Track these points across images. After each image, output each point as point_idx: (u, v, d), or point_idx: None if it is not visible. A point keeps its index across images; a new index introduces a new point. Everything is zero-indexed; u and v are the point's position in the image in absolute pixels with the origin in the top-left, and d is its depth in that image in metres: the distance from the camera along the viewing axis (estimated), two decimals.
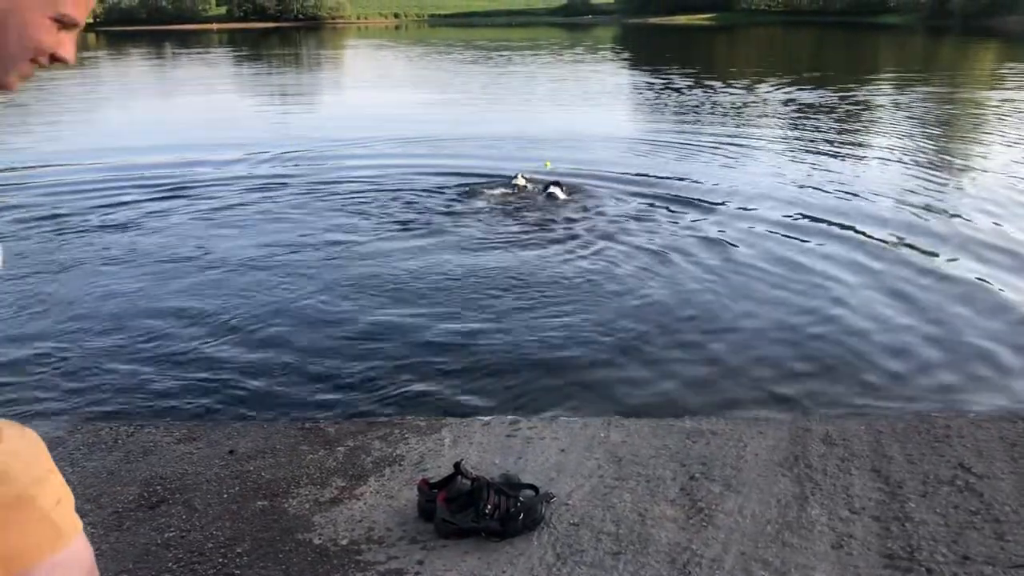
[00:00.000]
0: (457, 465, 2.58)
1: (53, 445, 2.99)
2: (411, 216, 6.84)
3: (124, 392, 3.79)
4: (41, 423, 3.29)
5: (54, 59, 1.13)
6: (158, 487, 2.78)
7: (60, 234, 6.44)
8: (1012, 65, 23.85)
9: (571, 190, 7.44)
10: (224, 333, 4.46)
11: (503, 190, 7.56)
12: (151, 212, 7.18)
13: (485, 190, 7.64)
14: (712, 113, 13.55)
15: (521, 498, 2.54)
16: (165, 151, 10.28)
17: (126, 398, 3.73)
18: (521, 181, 7.53)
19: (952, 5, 58.89)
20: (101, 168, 9.16)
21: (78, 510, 1.31)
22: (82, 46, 49.60)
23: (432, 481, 2.60)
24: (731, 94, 16.42)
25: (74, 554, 1.25)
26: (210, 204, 7.48)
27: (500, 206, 7.09)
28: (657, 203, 7.16)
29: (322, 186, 8.08)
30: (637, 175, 8.40)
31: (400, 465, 2.90)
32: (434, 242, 6.08)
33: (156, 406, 3.65)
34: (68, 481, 1.31)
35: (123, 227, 6.68)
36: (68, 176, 8.75)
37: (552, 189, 7.23)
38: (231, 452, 3.02)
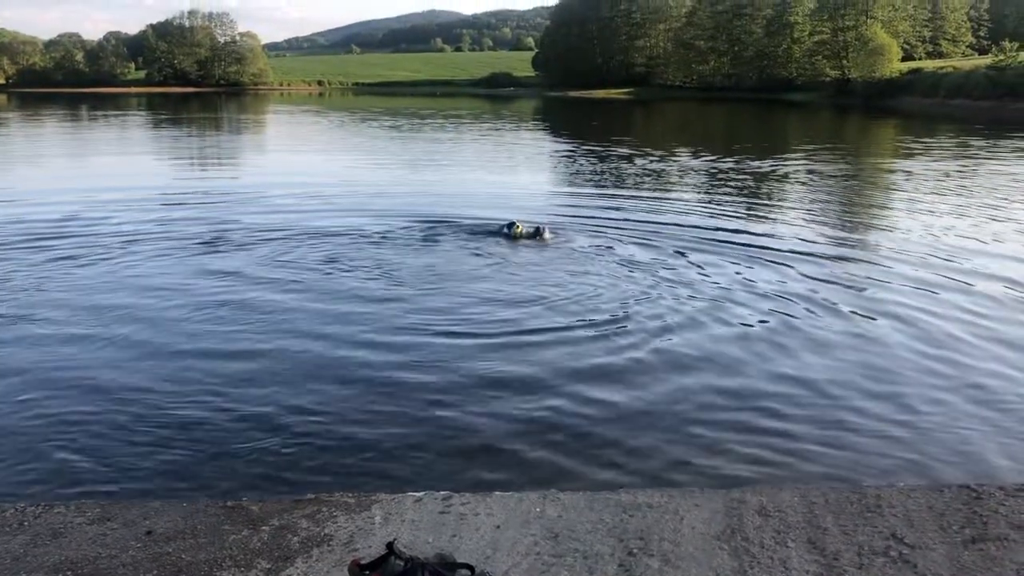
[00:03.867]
0: (390, 545, 2.49)
1: None
2: (335, 281, 6.75)
3: (29, 468, 3.57)
4: None
5: None
6: (69, 572, 2.60)
7: None
8: (913, 139, 25.57)
9: (554, 232, 8.71)
10: (138, 404, 4.26)
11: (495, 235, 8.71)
12: (50, 272, 7.00)
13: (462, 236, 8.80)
14: (648, 177, 14.12)
15: None
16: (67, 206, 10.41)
17: (32, 474, 3.52)
18: (519, 229, 8.62)
19: (854, 85, 62.36)
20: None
21: None
22: None
23: (363, 562, 2.49)
24: (661, 161, 17.05)
25: None
26: (106, 259, 7.52)
27: (470, 249, 8.16)
28: (617, 250, 8.12)
29: (287, 245, 7.96)
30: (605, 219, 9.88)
31: (329, 545, 2.78)
32: (368, 302, 5.99)
33: (66, 483, 3.45)
34: None
35: (19, 288, 6.45)
36: None
37: (538, 231, 8.58)
38: (148, 533, 2.85)
